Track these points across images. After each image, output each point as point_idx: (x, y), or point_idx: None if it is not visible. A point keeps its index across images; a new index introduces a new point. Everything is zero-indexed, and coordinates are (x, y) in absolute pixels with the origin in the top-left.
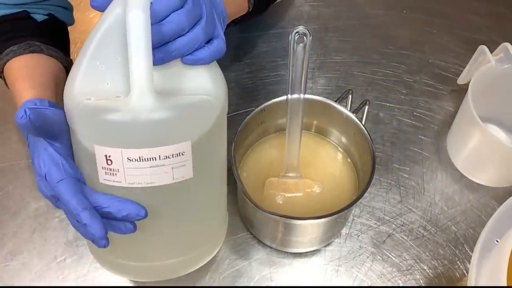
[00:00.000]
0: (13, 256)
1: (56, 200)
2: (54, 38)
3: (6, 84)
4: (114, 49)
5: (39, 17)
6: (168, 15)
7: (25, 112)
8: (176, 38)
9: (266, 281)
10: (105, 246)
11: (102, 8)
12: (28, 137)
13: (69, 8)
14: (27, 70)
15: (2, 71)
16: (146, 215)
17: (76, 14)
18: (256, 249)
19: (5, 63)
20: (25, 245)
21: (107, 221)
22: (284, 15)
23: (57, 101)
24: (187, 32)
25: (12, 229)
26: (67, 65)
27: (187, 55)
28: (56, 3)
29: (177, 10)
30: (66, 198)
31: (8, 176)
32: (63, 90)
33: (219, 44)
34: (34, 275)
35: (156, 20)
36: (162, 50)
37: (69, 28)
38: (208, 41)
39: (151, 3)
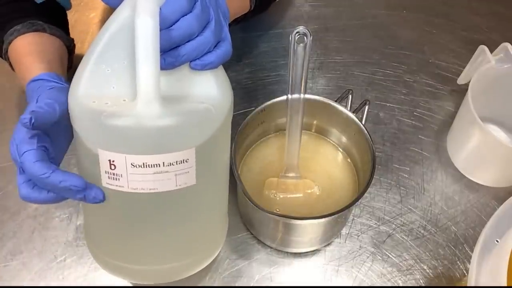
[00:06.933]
0: (13, 256)
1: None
2: (54, 19)
3: (11, 65)
4: (121, 52)
5: None
6: (178, 20)
7: (30, 120)
8: (186, 42)
9: (266, 281)
10: (100, 200)
11: (115, 4)
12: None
13: None
14: (33, 46)
15: (7, 52)
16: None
17: (75, 14)
18: (256, 249)
19: (9, 43)
20: (25, 245)
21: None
22: (284, 15)
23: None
24: (196, 36)
25: (12, 229)
26: (69, 45)
27: (195, 60)
28: None
29: (186, 15)
30: (29, 164)
31: (8, 176)
32: (66, 68)
33: (226, 47)
34: (34, 275)
35: (166, 25)
36: (172, 54)
37: (69, 28)
38: (215, 44)
39: (160, 8)
